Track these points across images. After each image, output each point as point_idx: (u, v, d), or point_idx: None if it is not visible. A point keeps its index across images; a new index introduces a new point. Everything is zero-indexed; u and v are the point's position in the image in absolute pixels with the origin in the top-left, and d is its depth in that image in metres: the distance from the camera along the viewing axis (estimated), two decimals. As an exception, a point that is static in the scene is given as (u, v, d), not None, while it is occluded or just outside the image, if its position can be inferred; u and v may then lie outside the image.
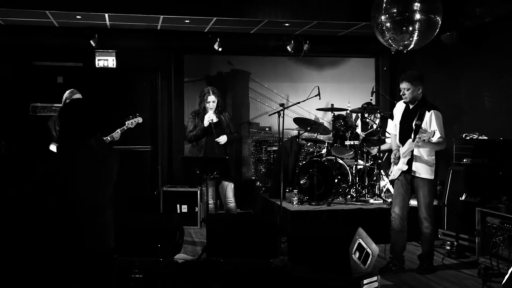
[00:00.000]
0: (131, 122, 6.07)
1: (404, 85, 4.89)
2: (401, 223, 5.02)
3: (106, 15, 6.44)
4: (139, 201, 7.46)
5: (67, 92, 6.14)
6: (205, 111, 5.84)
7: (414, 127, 4.83)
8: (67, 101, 6.13)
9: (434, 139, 4.73)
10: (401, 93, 4.96)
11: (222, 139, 5.81)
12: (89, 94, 7.14)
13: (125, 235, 4.99)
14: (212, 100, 5.79)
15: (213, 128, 5.74)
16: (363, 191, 6.71)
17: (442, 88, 7.10)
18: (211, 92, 5.80)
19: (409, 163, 4.92)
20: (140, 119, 6.12)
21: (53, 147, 6.05)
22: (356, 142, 6.67)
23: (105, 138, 6.04)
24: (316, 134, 7.19)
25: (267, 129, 8.40)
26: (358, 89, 8.38)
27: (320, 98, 6.61)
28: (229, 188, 5.90)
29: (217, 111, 5.87)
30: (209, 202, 5.88)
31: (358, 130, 7.08)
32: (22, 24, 6.82)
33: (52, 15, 6.40)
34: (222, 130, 5.87)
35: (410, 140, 4.83)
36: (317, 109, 7.54)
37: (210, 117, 5.76)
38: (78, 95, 6.16)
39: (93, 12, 6.31)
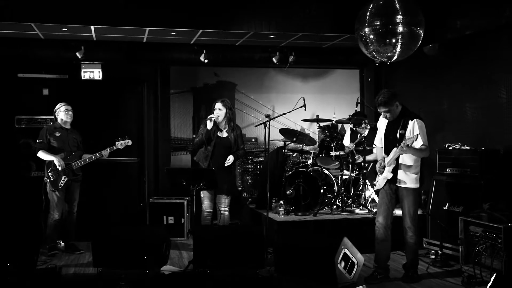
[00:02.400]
0: (121, 144, 6.24)
1: (382, 109, 5.00)
2: (385, 232, 5.07)
3: (92, 27, 6.45)
4: (125, 213, 7.42)
5: (59, 104, 6.20)
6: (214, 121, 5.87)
7: (398, 136, 4.90)
8: (56, 113, 6.16)
9: (417, 145, 4.80)
10: (382, 116, 5.07)
11: (230, 160, 5.82)
12: (74, 106, 7.17)
13: (111, 247, 4.99)
14: (218, 107, 5.85)
15: (217, 131, 5.84)
16: (349, 201, 6.75)
17: (425, 99, 7.21)
18: (219, 100, 5.89)
19: (394, 171, 4.99)
20: (129, 142, 6.29)
21: (41, 154, 6.04)
22: (342, 153, 6.72)
23: (94, 155, 6.08)
24: (302, 145, 7.24)
25: (253, 140, 8.44)
26: (343, 100, 8.48)
27: (305, 109, 6.66)
28: (225, 198, 5.95)
29: (228, 126, 5.91)
30: (206, 211, 5.92)
31: (347, 141, 7.15)
32: (7, 36, 6.79)
33: (37, 27, 6.40)
34: (227, 148, 5.88)
35: (395, 148, 4.89)
36: (303, 120, 7.60)
37: (211, 115, 5.79)
38: (66, 106, 6.18)
39: (79, 24, 6.31)
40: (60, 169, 5.99)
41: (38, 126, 6.79)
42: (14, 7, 6.01)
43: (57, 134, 6.14)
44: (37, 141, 6.11)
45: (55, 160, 5.99)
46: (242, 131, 8.23)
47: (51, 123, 6.38)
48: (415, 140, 4.72)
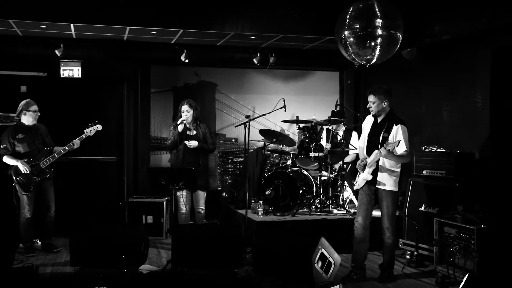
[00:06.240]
0: (90, 130, 6.05)
1: (370, 98, 5.06)
2: (363, 232, 5.13)
3: (72, 25, 6.39)
4: (104, 212, 7.39)
5: (23, 103, 6.06)
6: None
7: (381, 139, 4.96)
8: (22, 113, 6.02)
9: (400, 151, 4.88)
10: (367, 106, 5.12)
11: (192, 143, 5.97)
12: (53, 104, 7.11)
13: (89, 246, 4.97)
14: (186, 109, 6.03)
15: (186, 131, 6.01)
16: (327, 202, 6.82)
17: (403, 102, 7.29)
18: (185, 103, 6.08)
19: (374, 173, 5.05)
20: (99, 127, 6.09)
21: (6, 159, 5.94)
22: (321, 154, 6.78)
23: (63, 148, 5.98)
24: (281, 146, 7.29)
25: (233, 140, 8.46)
26: (323, 102, 8.55)
27: (285, 110, 6.71)
28: (202, 196, 6.12)
29: (195, 124, 6.12)
30: (182, 208, 6.06)
31: (323, 141, 7.21)
32: (-16, 33, 6.72)
33: (16, 24, 6.32)
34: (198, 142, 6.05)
35: (377, 150, 4.95)
36: (283, 121, 7.64)
37: (182, 118, 5.99)
38: (34, 107, 6.06)
39: (58, 22, 6.24)
40: (28, 172, 5.89)
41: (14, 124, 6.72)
42: (-9, 3, 5.95)
43: (20, 136, 5.97)
44: (1, 146, 5.97)
45: (19, 165, 5.86)
46: (223, 131, 8.36)
47: (14, 123, 6.16)
48: (396, 146, 4.78)
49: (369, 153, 5.11)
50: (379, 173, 5.03)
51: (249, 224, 6.18)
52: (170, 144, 6.12)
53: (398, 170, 5.02)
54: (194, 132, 6.12)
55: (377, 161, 5.01)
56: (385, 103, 5.04)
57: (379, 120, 5.11)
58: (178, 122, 5.98)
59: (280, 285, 4.74)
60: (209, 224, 6.56)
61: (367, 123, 5.27)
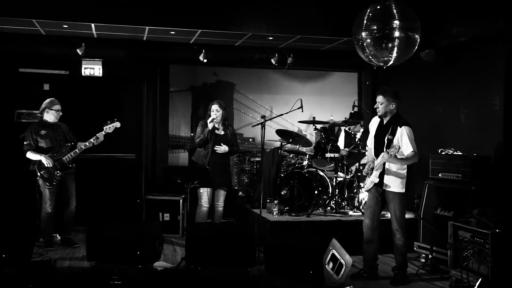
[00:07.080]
0: (109, 127, 6.18)
1: (379, 99, 5.10)
2: (371, 233, 5.16)
3: (93, 25, 6.52)
4: (122, 209, 7.51)
5: (48, 101, 6.19)
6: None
7: (386, 141, 4.98)
8: (45, 111, 6.16)
9: (406, 152, 4.88)
10: (375, 106, 5.15)
11: (223, 147, 6.14)
12: (74, 102, 7.26)
13: (105, 242, 5.07)
14: (215, 109, 6.17)
15: (215, 130, 6.14)
16: (343, 203, 6.81)
17: (420, 104, 7.26)
18: (215, 102, 6.22)
19: (381, 176, 5.07)
20: (118, 124, 6.22)
21: (30, 155, 6.08)
22: (337, 155, 6.78)
23: (84, 144, 6.10)
24: (298, 146, 7.30)
25: (250, 140, 8.51)
26: (341, 103, 8.53)
27: (302, 111, 6.74)
28: (223, 193, 6.26)
29: (224, 125, 6.27)
30: (203, 205, 6.17)
31: (341, 142, 7.21)
32: (9, 32, 6.86)
33: (39, 23, 6.48)
34: (226, 143, 6.21)
35: (383, 153, 4.97)
36: (299, 122, 7.66)
37: (212, 117, 6.11)
38: (58, 106, 6.20)
39: (79, 22, 6.38)
40: (51, 166, 6.02)
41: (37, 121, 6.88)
42: (16, 3, 6.09)
43: (43, 132, 6.11)
44: (24, 142, 6.10)
45: (43, 159, 5.99)
46: (240, 130, 8.41)
47: (37, 120, 6.30)
48: (397, 152, 4.79)
49: (376, 154, 5.16)
50: (385, 175, 5.06)
51: (263, 224, 6.22)
52: (200, 142, 6.19)
53: (404, 171, 5.02)
54: (223, 132, 6.24)
55: (384, 164, 5.02)
56: (393, 105, 5.06)
57: (385, 121, 5.14)
58: (209, 121, 6.09)
59: (291, 285, 4.77)
60: (224, 222, 6.61)
61: (373, 124, 5.31)
